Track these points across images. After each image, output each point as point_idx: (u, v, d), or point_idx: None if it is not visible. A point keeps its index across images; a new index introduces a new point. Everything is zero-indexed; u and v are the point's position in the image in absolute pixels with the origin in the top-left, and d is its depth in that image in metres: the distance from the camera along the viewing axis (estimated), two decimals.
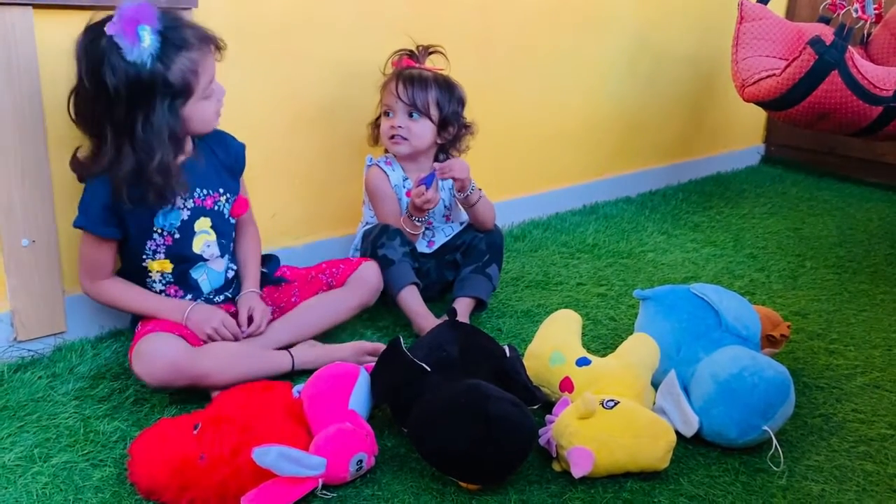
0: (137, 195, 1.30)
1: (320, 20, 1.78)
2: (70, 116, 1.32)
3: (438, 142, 1.76)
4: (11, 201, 1.41)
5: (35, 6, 1.36)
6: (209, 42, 1.32)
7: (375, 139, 1.80)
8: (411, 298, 1.63)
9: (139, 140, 1.26)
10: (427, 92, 1.69)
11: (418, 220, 1.70)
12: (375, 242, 1.66)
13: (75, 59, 1.26)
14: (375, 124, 1.79)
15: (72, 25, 1.29)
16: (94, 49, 1.23)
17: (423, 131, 1.72)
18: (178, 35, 1.27)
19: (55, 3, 1.38)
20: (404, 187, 1.76)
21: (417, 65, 1.76)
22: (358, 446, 1.13)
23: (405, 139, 1.71)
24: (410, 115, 1.70)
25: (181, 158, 1.37)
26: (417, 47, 1.79)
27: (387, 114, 1.73)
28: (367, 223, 1.80)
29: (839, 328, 1.73)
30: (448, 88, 1.73)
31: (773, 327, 1.48)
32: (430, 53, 1.80)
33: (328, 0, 1.78)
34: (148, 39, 1.22)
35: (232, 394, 1.26)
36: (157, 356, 1.28)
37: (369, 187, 1.77)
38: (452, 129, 1.75)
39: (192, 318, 1.40)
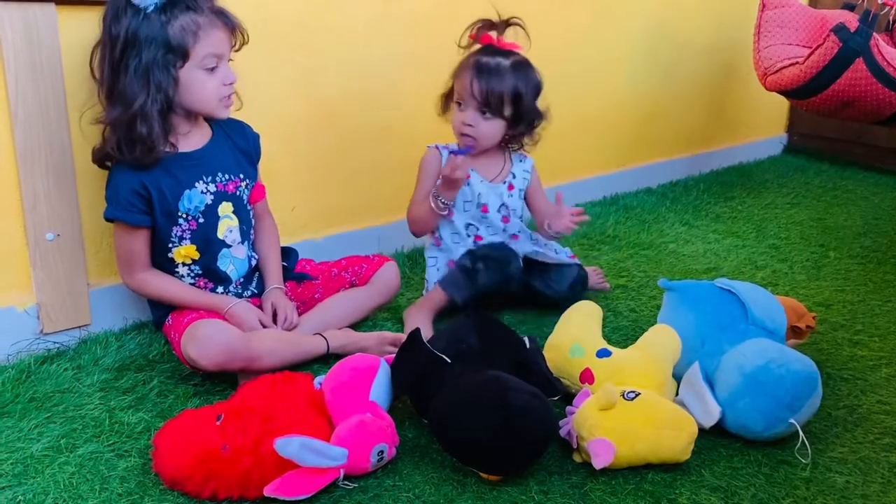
0: (129, 148, 1.32)
1: (340, 12, 1.78)
2: (91, 73, 1.36)
3: (508, 134, 1.69)
4: (36, 196, 1.42)
5: (58, 2, 1.37)
6: (222, 17, 1.35)
7: (444, 108, 1.71)
8: (438, 298, 1.64)
9: (126, 84, 1.29)
10: (503, 87, 1.60)
11: (442, 201, 1.64)
12: (489, 262, 1.62)
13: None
14: (447, 95, 1.69)
15: (94, 21, 1.31)
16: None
17: (494, 131, 1.65)
18: None
19: None
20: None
21: (496, 41, 1.65)
22: (379, 437, 1.14)
23: (474, 139, 1.64)
24: (482, 113, 1.63)
25: (190, 134, 1.41)
26: (500, 19, 1.66)
27: (458, 103, 1.65)
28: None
29: (863, 319, 1.71)
30: (525, 79, 1.63)
31: (797, 318, 1.46)
32: (509, 26, 1.67)
33: None
34: None
35: (254, 385, 1.27)
36: (213, 339, 1.32)
37: (420, 166, 1.72)
38: (524, 124, 1.68)
39: (233, 314, 1.42)
